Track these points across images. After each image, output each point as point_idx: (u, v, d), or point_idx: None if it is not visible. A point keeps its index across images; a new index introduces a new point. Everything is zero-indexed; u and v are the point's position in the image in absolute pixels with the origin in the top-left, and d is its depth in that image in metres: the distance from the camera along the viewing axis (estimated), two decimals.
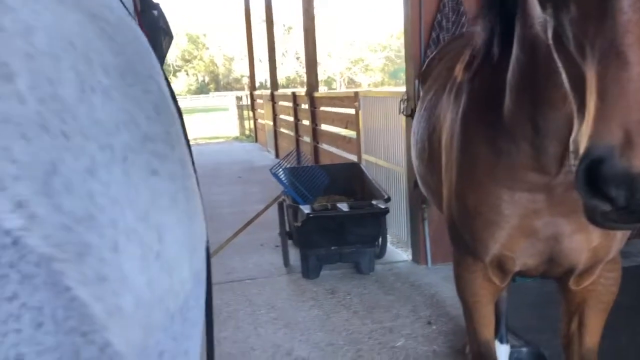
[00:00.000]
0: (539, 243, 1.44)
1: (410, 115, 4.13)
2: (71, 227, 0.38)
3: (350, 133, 6.05)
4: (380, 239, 4.27)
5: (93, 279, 0.39)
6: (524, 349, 2.70)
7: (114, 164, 0.45)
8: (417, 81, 4.02)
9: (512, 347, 2.65)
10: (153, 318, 0.47)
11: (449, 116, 1.64)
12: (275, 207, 4.43)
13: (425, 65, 2.97)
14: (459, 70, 1.57)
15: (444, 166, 1.65)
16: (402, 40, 4.70)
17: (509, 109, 1.33)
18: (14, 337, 0.33)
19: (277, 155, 10.01)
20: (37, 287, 0.34)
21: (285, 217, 4.42)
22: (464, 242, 1.60)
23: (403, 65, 4.38)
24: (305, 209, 3.88)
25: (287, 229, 4.42)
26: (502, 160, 1.41)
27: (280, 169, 4.56)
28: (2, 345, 0.32)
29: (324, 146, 7.16)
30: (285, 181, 4.40)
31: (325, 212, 3.92)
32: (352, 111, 5.77)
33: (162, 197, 0.53)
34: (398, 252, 4.71)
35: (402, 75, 4.64)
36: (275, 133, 10.40)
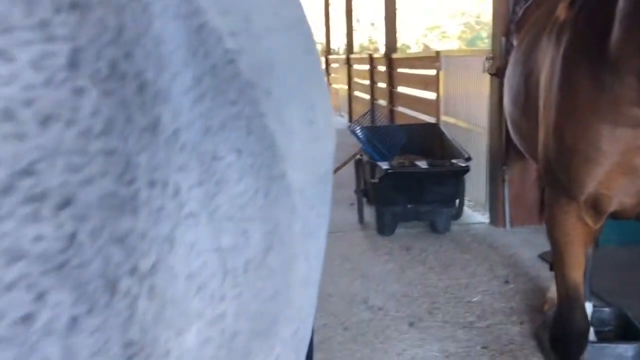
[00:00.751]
0: (638, 179, 1.41)
1: (495, 73, 4.03)
2: (263, 70, 0.43)
3: (429, 95, 5.97)
4: (458, 199, 4.24)
5: (276, 116, 0.44)
6: (607, 309, 2.65)
7: (283, 31, 0.51)
8: (503, 38, 3.91)
9: (594, 306, 2.60)
10: (309, 172, 0.52)
11: (549, 56, 1.61)
12: (350, 167, 4.48)
13: (521, 14, 2.90)
14: (562, 9, 1.53)
15: (542, 107, 1.62)
16: (483, 5, 4.56)
17: (617, 39, 1.29)
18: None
19: (350, 120, 10.02)
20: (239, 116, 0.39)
21: (361, 175, 4.46)
22: (559, 183, 1.58)
23: (482, 32, 4.27)
24: (383, 165, 3.90)
25: (363, 186, 4.47)
26: (604, 95, 1.37)
27: (358, 127, 4.58)
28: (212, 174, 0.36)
29: (400, 109, 7.10)
30: (362, 138, 4.42)
31: (403, 168, 3.93)
32: (431, 72, 5.68)
33: (313, 75, 0.57)
34: (475, 214, 4.66)
35: (480, 43, 4.52)
36: (350, 97, 10.39)
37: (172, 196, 0.32)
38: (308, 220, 0.49)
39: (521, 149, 2.24)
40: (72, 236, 0.26)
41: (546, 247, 3.53)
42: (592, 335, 2.16)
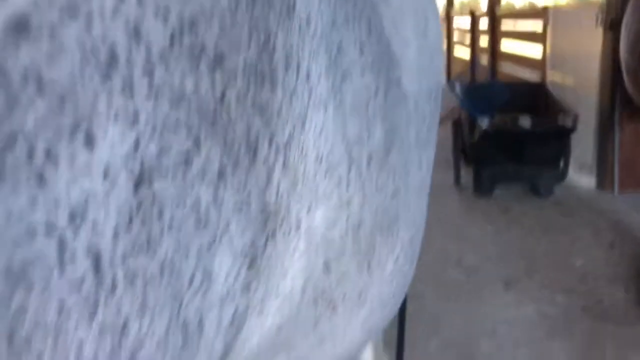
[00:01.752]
0: None
1: (609, 27, 3.75)
2: None
3: (535, 52, 5.66)
4: (562, 161, 4.04)
5: (392, 22, 0.46)
6: None
7: None
8: None
9: None
10: (422, 83, 0.53)
11: None
12: (447, 128, 4.38)
13: None
14: None
15: None
16: None
17: None
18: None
19: (449, 80, 9.73)
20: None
21: (459, 134, 4.35)
22: None
23: None
24: (483, 123, 3.78)
25: (461, 146, 4.36)
26: None
27: (457, 83, 4.46)
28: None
29: (504, 67, 6.80)
30: (461, 94, 4.30)
31: (504, 127, 3.79)
32: (537, 28, 5.38)
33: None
34: (581, 177, 4.43)
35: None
36: (449, 57, 10.06)
37: (304, 80, 0.34)
38: (421, 131, 0.51)
39: (638, 100, 2.10)
40: (222, 95, 0.29)
41: None
42: None
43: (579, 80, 4.50)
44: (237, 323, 0.35)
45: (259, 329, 0.39)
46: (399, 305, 0.57)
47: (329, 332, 0.46)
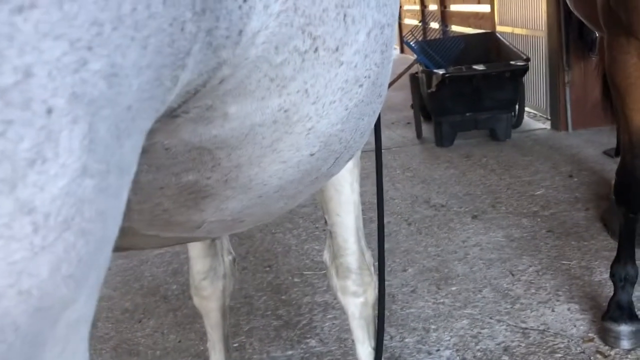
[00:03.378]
0: None
1: None
2: None
3: (482, 9, 5.80)
4: (517, 105, 4.18)
5: None
6: None
7: None
8: None
9: None
10: None
11: None
12: (405, 90, 4.46)
13: None
14: None
15: None
16: None
17: None
18: None
19: (402, 51, 9.85)
20: None
21: (417, 89, 4.44)
22: (618, 24, 1.57)
23: None
24: (440, 71, 3.88)
25: (419, 101, 4.46)
26: None
27: (412, 40, 4.54)
28: None
29: (455, 28, 6.93)
30: (417, 49, 4.38)
31: (460, 72, 3.89)
32: None
33: None
34: (536, 122, 4.58)
35: None
36: (400, 23, 10.17)
37: None
38: None
39: (579, 14, 2.19)
40: None
41: (610, 145, 3.47)
42: None
43: (528, 28, 4.64)
44: None
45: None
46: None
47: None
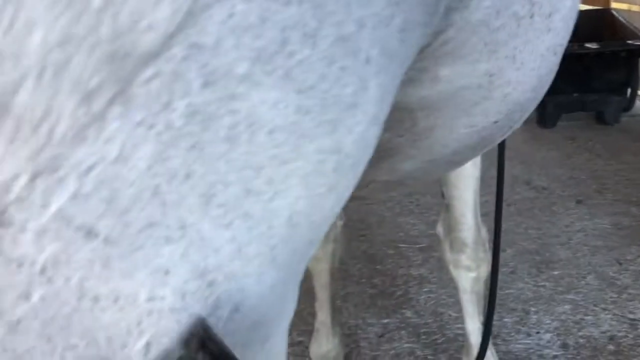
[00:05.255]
0: None
1: None
2: None
3: None
4: (630, 88, 3.94)
5: None
6: None
7: None
8: None
9: None
10: None
11: None
12: None
13: None
14: None
15: None
16: None
17: None
18: None
19: None
20: None
21: None
22: None
23: None
24: None
25: None
26: None
27: None
28: None
29: None
30: None
31: (570, 49, 3.71)
32: None
33: None
34: None
35: None
36: None
37: None
38: None
39: None
40: None
41: None
42: None
43: None
44: None
45: None
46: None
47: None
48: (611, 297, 2.05)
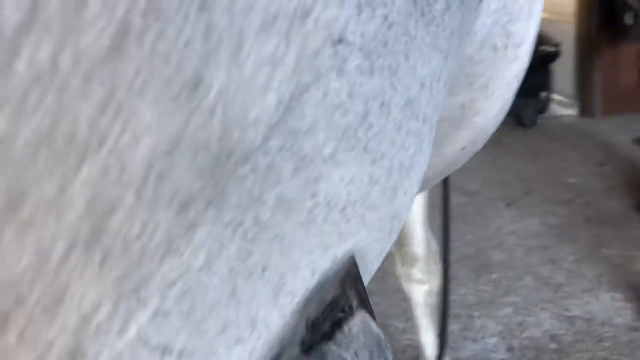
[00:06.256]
0: None
1: None
2: None
3: None
4: (545, 91, 4.15)
5: None
6: None
7: None
8: None
9: None
10: None
11: None
12: None
13: None
14: None
15: None
16: None
17: None
18: None
19: None
20: None
21: None
22: None
23: None
24: None
25: None
26: None
27: None
28: None
29: None
30: None
31: None
32: None
33: None
34: (562, 108, 4.55)
35: None
36: None
37: None
38: None
39: None
40: None
41: None
42: None
43: (555, 12, 4.59)
44: None
45: None
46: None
47: None
48: (548, 296, 2.12)
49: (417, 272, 1.36)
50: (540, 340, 1.91)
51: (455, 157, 0.62)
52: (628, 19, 3.78)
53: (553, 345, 1.87)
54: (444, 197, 1.25)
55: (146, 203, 0.20)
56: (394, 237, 0.32)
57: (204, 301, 0.22)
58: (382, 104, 0.25)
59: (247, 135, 0.21)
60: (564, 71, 4.54)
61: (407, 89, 0.26)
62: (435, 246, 1.39)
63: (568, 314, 2.02)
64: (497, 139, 3.57)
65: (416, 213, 1.30)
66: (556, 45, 3.90)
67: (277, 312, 0.24)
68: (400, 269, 1.38)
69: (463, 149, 0.59)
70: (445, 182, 1.29)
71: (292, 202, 0.23)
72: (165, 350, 0.22)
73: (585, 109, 4.23)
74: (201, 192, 0.21)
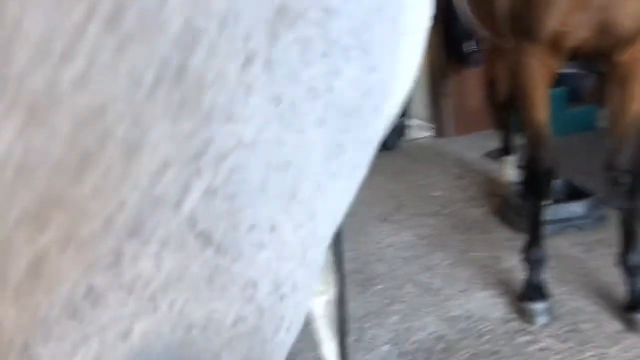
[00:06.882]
0: (592, 13, 1.60)
1: None
2: None
3: None
4: (403, 116, 4.44)
5: None
6: (557, 181, 2.90)
7: None
8: None
9: None
10: None
11: None
12: None
13: None
14: None
15: None
16: None
17: None
18: None
19: None
20: None
21: None
22: (521, 28, 1.76)
23: None
24: None
25: None
26: None
27: None
28: None
29: None
30: None
31: None
32: None
33: None
34: (420, 131, 4.90)
35: None
36: None
37: None
38: None
39: (473, 19, 2.41)
40: None
41: (489, 148, 3.82)
42: (547, 201, 2.41)
43: None
44: None
45: None
46: None
47: None
48: (430, 301, 2.24)
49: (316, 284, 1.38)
50: (427, 342, 2.00)
51: None
52: (470, 47, 4.20)
53: (440, 346, 1.98)
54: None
55: (223, 43, 0.20)
56: None
57: (244, 189, 0.22)
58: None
59: None
60: (418, 98, 4.90)
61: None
62: (329, 255, 1.42)
63: (449, 314, 2.14)
64: None
65: None
66: None
67: (290, 224, 0.25)
68: None
69: None
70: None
71: (316, 91, 0.24)
72: (207, 240, 0.22)
73: (440, 131, 4.59)
74: (262, 47, 0.21)
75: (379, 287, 2.38)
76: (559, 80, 3.89)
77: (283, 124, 0.24)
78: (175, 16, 0.19)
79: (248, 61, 0.21)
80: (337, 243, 1.34)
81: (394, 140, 4.38)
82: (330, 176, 0.27)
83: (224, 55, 0.21)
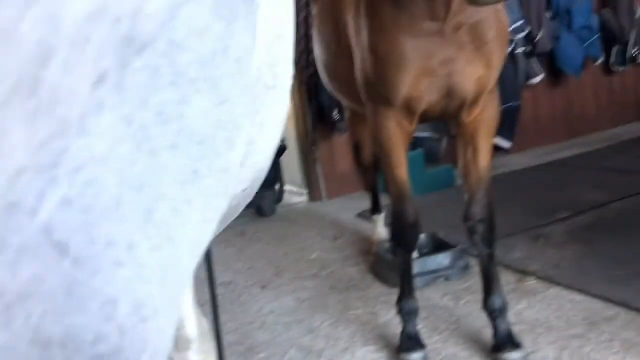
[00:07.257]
0: (438, 80, 1.78)
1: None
2: None
3: None
4: (278, 183, 4.53)
5: None
6: (422, 235, 3.08)
7: None
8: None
9: None
10: None
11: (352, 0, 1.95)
12: None
13: None
14: None
15: (354, 37, 1.94)
16: None
17: None
18: None
19: None
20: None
21: None
22: (377, 94, 1.90)
23: None
24: None
25: None
26: (403, 13, 1.73)
27: None
28: None
29: None
30: None
31: None
32: None
33: None
34: (294, 196, 5.00)
35: None
36: None
37: None
38: None
39: (335, 90, 2.56)
40: None
41: (361, 209, 3.98)
42: (415, 255, 2.56)
43: None
44: None
45: None
46: None
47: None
48: None
49: (192, 355, 1.33)
50: None
51: (238, 199, 0.65)
52: (335, 115, 4.43)
53: None
54: (208, 270, 1.28)
55: (75, 61, 0.21)
56: None
57: (99, 204, 0.22)
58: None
59: (146, 24, 0.24)
60: (291, 164, 5.04)
61: None
62: (205, 324, 1.39)
63: None
64: (241, 230, 3.74)
65: (186, 294, 1.30)
66: (282, 140, 4.33)
67: (146, 244, 0.26)
68: (174, 356, 1.34)
69: (244, 190, 0.64)
70: (208, 254, 1.33)
71: (166, 116, 0.25)
72: (64, 250, 0.22)
73: (313, 195, 4.72)
74: (112, 70, 0.23)
75: (261, 355, 2.34)
76: (416, 144, 4.24)
77: (135, 144, 0.25)
78: (31, 33, 0.21)
79: (99, 81, 0.23)
80: (215, 310, 1.31)
81: (271, 206, 4.44)
82: (187, 202, 0.28)
83: (77, 73, 0.23)
